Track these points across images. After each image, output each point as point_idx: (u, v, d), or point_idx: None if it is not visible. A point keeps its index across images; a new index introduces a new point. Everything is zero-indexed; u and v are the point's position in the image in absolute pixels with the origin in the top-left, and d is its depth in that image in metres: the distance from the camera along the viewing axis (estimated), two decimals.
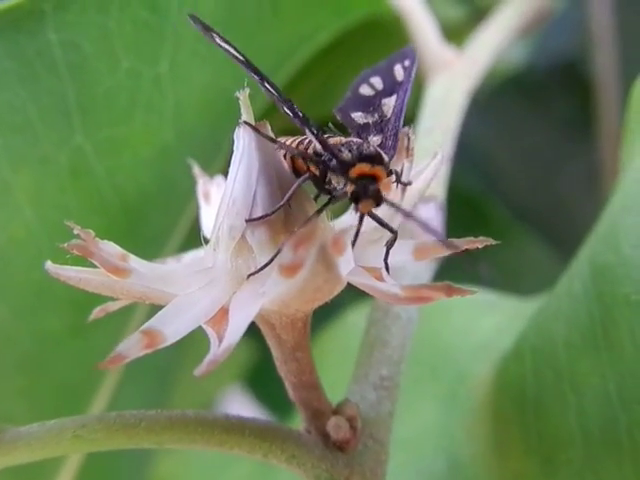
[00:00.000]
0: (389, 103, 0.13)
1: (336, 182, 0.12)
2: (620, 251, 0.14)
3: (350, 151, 0.12)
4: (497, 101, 0.33)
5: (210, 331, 0.11)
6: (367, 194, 0.12)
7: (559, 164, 0.33)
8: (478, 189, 0.30)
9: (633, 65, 0.31)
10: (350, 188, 0.12)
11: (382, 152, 0.12)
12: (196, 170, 0.15)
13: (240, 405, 0.31)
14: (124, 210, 0.17)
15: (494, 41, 0.19)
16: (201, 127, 0.18)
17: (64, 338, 0.17)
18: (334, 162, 0.12)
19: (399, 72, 0.14)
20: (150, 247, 0.18)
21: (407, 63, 0.14)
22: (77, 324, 0.17)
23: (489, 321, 0.19)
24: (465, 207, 0.30)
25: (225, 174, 0.15)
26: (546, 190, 0.34)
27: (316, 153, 0.12)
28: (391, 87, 0.14)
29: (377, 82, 0.14)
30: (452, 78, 0.18)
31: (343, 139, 0.12)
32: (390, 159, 0.12)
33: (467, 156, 0.33)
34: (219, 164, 0.19)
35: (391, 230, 0.12)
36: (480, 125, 0.34)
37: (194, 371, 0.10)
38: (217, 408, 0.31)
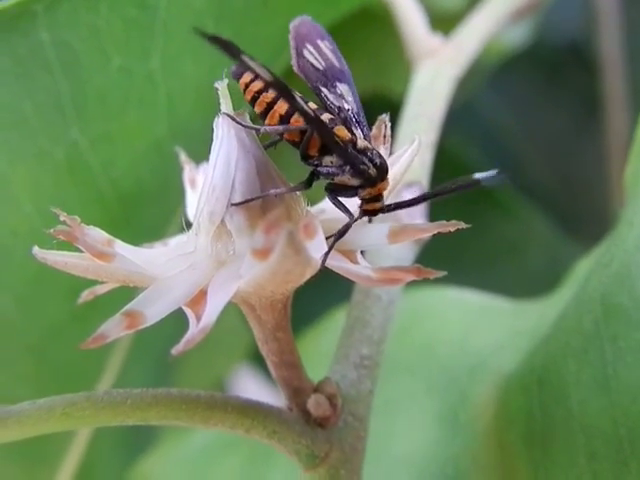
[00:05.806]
0: (346, 93, 0.14)
1: (331, 163, 0.12)
2: (636, 294, 0.14)
3: (375, 167, 0.12)
4: (508, 76, 0.33)
5: (189, 312, 0.12)
6: (384, 211, 0.12)
7: (569, 139, 0.34)
8: (485, 164, 0.30)
9: (639, 42, 0.31)
10: (365, 205, 0.12)
11: None
12: (182, 158, 0.15)
13: (252, 382, 0.31)
14: (121, 202, 0.18)
15: (482, 28, 0.19)
16: (194, 120, 0.18)
17: (66, 324, 0.18)
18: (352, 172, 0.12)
19: (330, 52, 0.14)
20: (149, 237, 0.19)
21: (329, 45, 0.14)
22: (78, 311, 0.18)
23: (486, 335, 0.19)
24: None
25: None
26: (555, 165, 0.34)
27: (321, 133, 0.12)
28: (331, 69, 0.14)
29: (314, 53, 0.14)
30: (438, 65, 0.18)
31: (346, 134, 0.12)
32: None
33: (478, 129, 0.34)
34: None
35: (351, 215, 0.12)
36: (491, 98, 0.34)
37: (171, 350, 0.11)
38: (229, 386, 0.31)
